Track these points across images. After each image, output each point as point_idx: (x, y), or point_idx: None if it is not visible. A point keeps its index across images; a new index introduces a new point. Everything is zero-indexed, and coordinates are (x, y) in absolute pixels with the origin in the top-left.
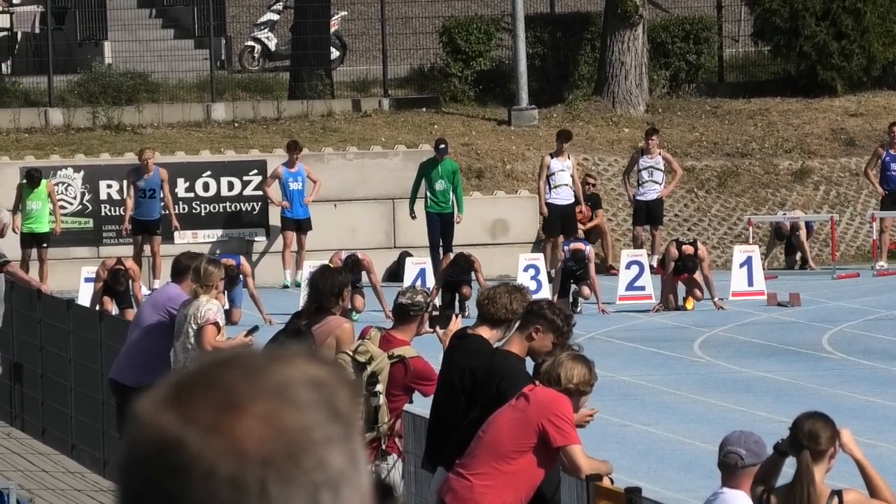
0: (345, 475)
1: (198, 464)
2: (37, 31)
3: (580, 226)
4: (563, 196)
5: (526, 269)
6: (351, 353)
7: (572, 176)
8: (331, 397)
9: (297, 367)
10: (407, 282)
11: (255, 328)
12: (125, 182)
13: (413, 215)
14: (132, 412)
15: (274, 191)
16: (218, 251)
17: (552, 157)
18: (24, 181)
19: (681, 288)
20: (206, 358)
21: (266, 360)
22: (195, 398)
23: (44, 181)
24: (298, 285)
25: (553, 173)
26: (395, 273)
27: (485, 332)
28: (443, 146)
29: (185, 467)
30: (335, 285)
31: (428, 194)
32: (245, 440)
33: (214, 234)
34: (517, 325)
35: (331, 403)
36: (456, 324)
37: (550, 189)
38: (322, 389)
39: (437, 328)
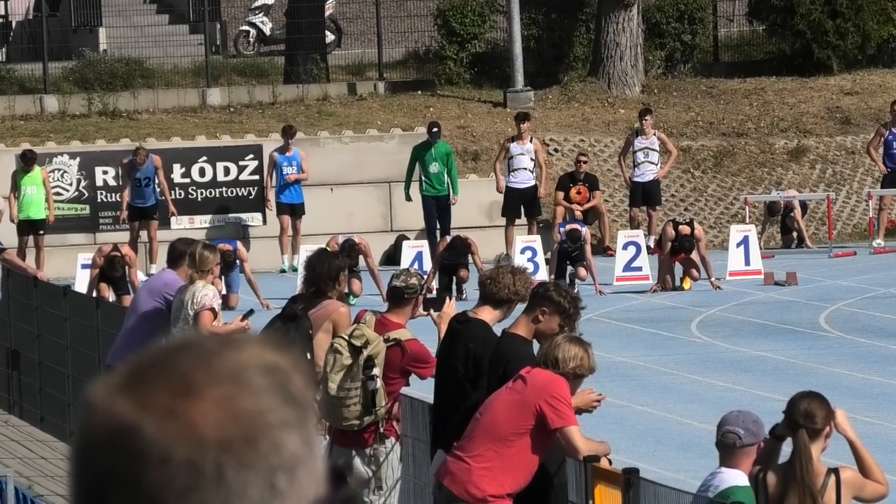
0: (300, 459)
1: (154, 449)
2: (31, 17)
3: (577, 207)
4: (521, 179)
5: (523, 251)
6: (347, 338)
7: (534, 159)
8: (285, 382)
9: (251, 352)
10: (404, 265)
11: (251, 312)
12: (120, 171)
13: (409, 198)
14: (87, 397)
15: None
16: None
17: (512, 141)
18: (20, 163)
19: (678, 268)
20: (159, 344)
21: (219, 345)
22: (150, 383)
23: (38, 168)
24: (295, 270)
25: (512, 157)
26: (392, 257)
27: (486, 313)
28: (435, 129)
29: (142, 453)
30: (332, 269)
31: (422, 177)
32: (201, 425)
33: (211, 220)
34: (524, 307)
35: (285, 388)
36: (450, 306)
37: (510, 172)
38: (276, 374)
39: (432, 311)
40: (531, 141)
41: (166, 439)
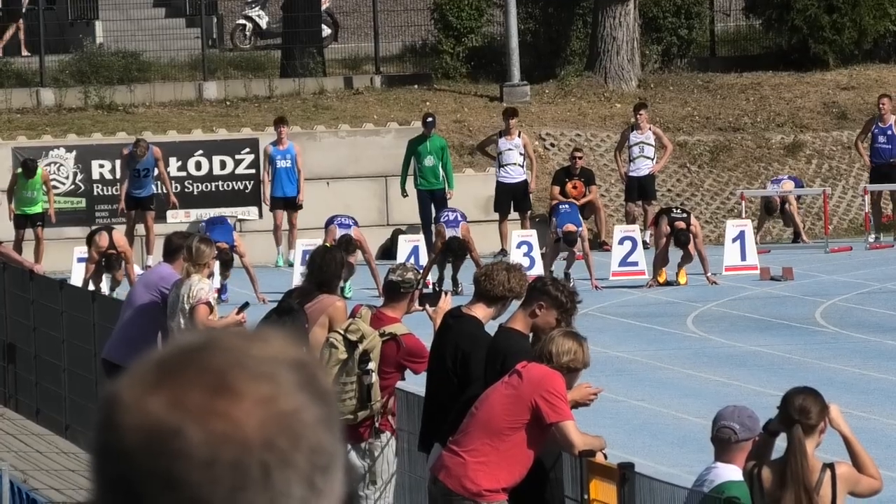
0: (334, 456)
1: (199, 451)
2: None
3: (573, 201)
4: (512, 175)
5: (519, 246)
6: (342, 332)
7: (523, 154)
8: (312, 378)
9: (277, 348)
10: (400, 259)
11: (246, 304)
12: (119, 162)
13: (405, 193)
14: (113, 395)
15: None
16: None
17: (500, 136)
18: (20, 171)
19: (672, 263)
20: (181, 339)
21: (244, 341)
22: (183, 382)
23: (40, 169)
24: (291, 265)
25: (501, 152)
26: (388, 251)
27: (480, 310)
28: (430, 119)
29: (185, 454)
30: (339, 268)
31: (417, 171)
32: (245, 425)
33: (207, 213)
34: (521, 302)
35: (313, 384)
36: (446, 301)
37: (499, 167)
38: (303, 370)
39: (427, 305)
40: (519, 136)
41: (212, 440)
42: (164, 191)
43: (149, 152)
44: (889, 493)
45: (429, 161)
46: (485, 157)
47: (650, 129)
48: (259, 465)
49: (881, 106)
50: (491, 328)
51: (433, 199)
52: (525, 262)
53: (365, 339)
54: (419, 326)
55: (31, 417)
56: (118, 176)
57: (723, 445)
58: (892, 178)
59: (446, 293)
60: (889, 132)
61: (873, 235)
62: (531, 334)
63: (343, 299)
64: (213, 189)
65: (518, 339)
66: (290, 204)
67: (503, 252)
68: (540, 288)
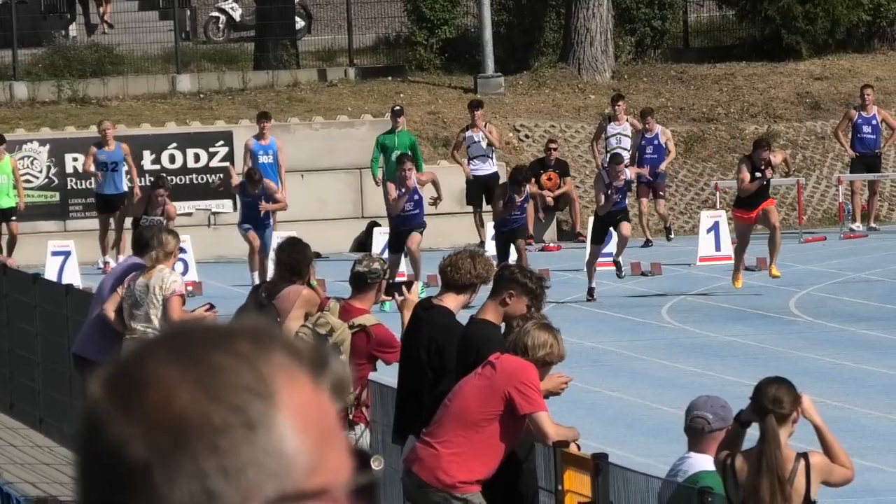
0: (248, 457)
1: (108, 446)
2: None
3: (548, 193)
4: (482, 167)
5: (493, 238)
6: (311, 326)
7: (492, 145)
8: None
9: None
10: (376, 252)
11: (212, 306)
12: (85, 157)
13: (378, 182)
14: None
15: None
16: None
17: (467, 129)
18: None
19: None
20: (137, 345)
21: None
22: (119, 383)
23: (7, 156)
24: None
25: (469, 145)
26: (363, 244)
27: (451, 300)
28: (397, 108)
29: (100, 451)
30: (309, 257)
31: (387, 167)
32: (151, 420)
33: (181, 206)
34: (489, 292)
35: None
36: (414, 292)
37: (469, 160)
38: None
39: (396, 295)
40: (485, 126)
41: (119, 435)
42: (131, 183)
43: (117, 146)
44: (861, 482)
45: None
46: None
47: (627, 120)
48: (153, 465)
49: (865, 96)
50: (463, 318)
51: None
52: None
53: (334, 332)
54: (388, 318)
55: (5, 411)
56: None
57: (696, 435)
58: (877, 168)
59: (415, 282)
60: (873, 122)
61: (857, 225)
62: (503, 324)
63: (308, 287)
64: (188, 182)
65: (491, 330)
66: (270, 198)
67: (482, 245)
68: (508, 277)
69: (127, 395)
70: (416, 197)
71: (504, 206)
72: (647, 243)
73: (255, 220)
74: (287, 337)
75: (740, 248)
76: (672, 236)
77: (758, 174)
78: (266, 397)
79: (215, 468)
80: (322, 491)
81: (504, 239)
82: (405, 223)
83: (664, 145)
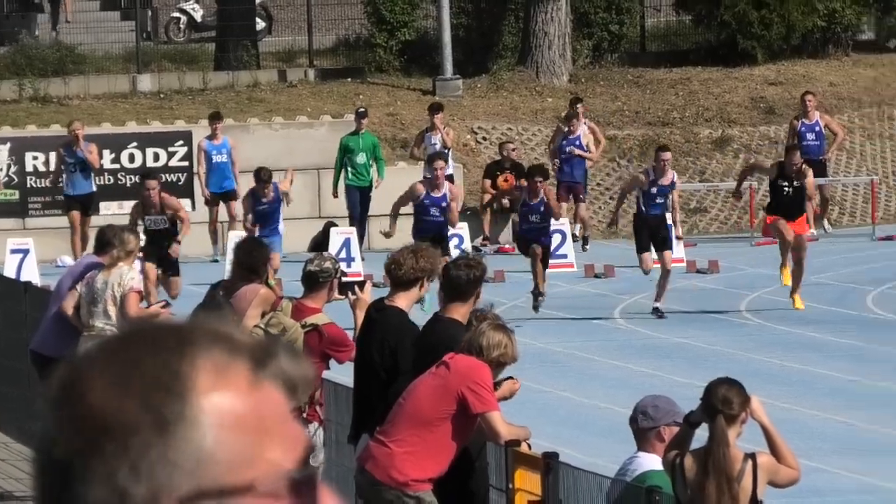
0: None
1: (40, 446)
2: None
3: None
4: None
5: (450, 239)
6: (263, 326)
7: (449, 148)
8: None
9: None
10: (332, 251)
11: (167, 304)
12: (54, 158)
13: (335, 194)
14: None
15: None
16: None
17: (427, 132)
18: None
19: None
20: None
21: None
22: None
23: None
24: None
25: (427, 147)
26: (320, 244)
27: (401, 299)
28: (361, 110)
29: (37, 449)
30: (266, 254)
31: (348, 167)
32: (73, 420)
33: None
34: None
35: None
36: (366, 291)
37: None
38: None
39: (349, 294)
40: (444, 129)
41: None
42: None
43: (85, 146)
44: (808, 483)
45: (360, 158)
46: (415, 159)
47: (585, 123)
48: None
49: (807, 103)
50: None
51: (361, 194)
52: (456, 253)
53: (287, 332)
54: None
55: None
56: (52, 169)
57: (641, 434)
58: (824, 174)
59: (366, 281)
60: (816, 129)
61: (812, 230)
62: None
63: (266, 286)
64: None
65: (458, 329)
66: (229, 196)
67: (486, 241)
68: (474, 280)
69: (59, 395)
70: (443, 204)
71: (519, 211)
72: (578, 241)
73: (266, 227)
74: (227, 332)
75: (783, 247)
76: (588, 246)
77: (786, 185)
78: (181, 394)
79: (126, 467)
80: (249, 486)
81: (526, 243)
82: (431, 229)
83: (586, 147)
